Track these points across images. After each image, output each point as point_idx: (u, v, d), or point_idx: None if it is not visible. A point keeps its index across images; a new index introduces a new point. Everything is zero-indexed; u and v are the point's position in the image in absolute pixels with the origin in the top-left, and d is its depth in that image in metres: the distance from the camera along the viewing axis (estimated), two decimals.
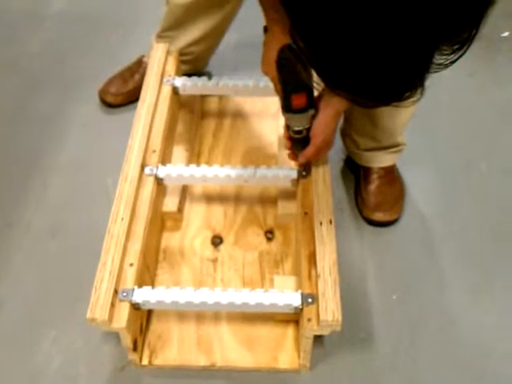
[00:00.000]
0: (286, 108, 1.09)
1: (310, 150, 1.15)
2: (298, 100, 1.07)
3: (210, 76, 1.46)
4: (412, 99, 0.70)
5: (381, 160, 1.38)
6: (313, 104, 1.09)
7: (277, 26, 1.06)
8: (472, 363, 1.17)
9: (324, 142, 1.14)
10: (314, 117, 1.11)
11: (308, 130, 1.12)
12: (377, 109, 1.25)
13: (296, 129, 1.12)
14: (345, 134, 1.41)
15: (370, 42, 0.60)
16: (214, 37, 1.48)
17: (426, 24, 0.59)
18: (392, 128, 1.32)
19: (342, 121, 1.40)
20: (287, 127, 1.14)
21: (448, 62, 0.65)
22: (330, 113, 1.11)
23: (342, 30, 0.60)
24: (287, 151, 1.20)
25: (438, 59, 0.65)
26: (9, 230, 1.36)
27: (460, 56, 0.64)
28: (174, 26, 1.44)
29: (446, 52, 0.64)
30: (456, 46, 0.63)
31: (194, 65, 1.52)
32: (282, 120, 1.38)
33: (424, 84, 0.68)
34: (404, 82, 0.67)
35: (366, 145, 1.36)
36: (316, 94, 1.10)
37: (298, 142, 1.16)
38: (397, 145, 1.37)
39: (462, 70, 1.74)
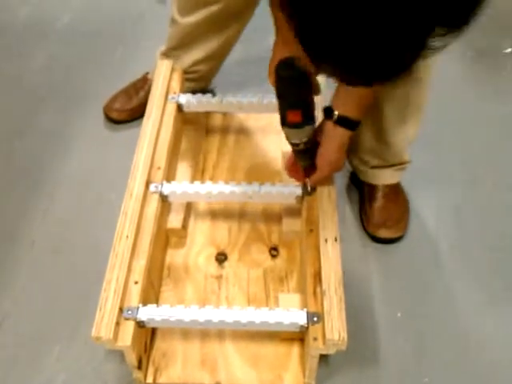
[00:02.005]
0: (282, 121, 1.08)
1: (317, 177, 1.16)
2: (293, 116, 1.05)
3: (213, 93, 1.47)
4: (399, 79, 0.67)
5: (387, 177, 1.39)
6: (310, 120, 1.07)
7: (281, 31, 1.05)
8: (481, 380, 1.16)
9: (332, 171, 1.16)
10: (316, 145, 1.12)
11: (307, 143, 1.11)
12: (385, 126, 1.26)
13: (293, 142, 1.11)
14: (350, 152, 1.41)
15: (362, 16, 0.58)
16: (219, 55, 1.49)
17: (421, 5, 0.57)
18: (399, 145, 1.32)
19: None
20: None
21: (443, 44, 0.62)
22: (333, 147, 1.12)
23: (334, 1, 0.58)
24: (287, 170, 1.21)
25: (434, 41, 0.62)
26: (13, 245, 1.36)
27: (455, 38, 0.62)
28: (180, 45, 1.45)
29: (441, 34, 0.61)
30: (452, 29, 0.61)
31: (198, 83, 1.53)
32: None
33: (413, 66, 0.65)
34: (395, 61, 0.64)
35: (373, 162, 1.36)
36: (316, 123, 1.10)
37: (298, 153, 1.15)
38: (403, 162, 1.37)
39: (467, 87, 1.75)
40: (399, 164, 1.37)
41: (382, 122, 1.26)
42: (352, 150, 1.39)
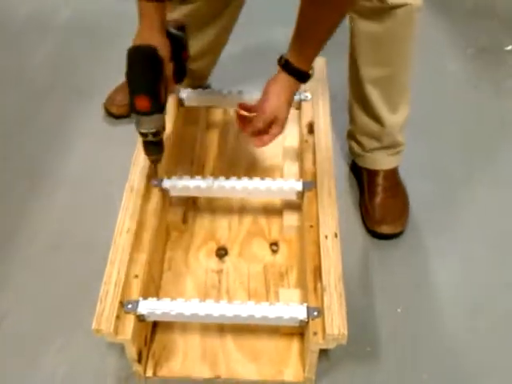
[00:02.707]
0: (130, 108, 1.07)
1: (255, 123, 1.16)
2: (140, 102, 1.04)
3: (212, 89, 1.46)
4: None
5: (384, 162, 1.41)
6: (159, 109, 1.07)
7: (145, 18, 1.09)
8: (480, 377, 1.17)
9: (270, 115, 1.14)
10: None
11: (155, 135, 1.10)
12: (377, 107, 1.32)
13: (142, 131, 1.10)
14: (351, 137, 1.45)
15: None
16: (211, 53, 1.49)
17: None
18: (392, 124, 1.36)
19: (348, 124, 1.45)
20: None
21: None
22: (274, 88, 1.13)
23: None
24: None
25: None
26: (13, 241, 1.36)
27: None
28: None
29: None
30: None
31: (194, 81, 1.51)
32: (286, 132, 1.39)
33: None
34: None
35: (370, 145, 1.40)
36: None
37: (146, 145, 1.13)
38: (397, 144, 1.40)
39: (466, 83, 1.75)
40: (395, 146, 1.40)
41: (373, 104, 1.31)
42: (352, 135, 1.44)
